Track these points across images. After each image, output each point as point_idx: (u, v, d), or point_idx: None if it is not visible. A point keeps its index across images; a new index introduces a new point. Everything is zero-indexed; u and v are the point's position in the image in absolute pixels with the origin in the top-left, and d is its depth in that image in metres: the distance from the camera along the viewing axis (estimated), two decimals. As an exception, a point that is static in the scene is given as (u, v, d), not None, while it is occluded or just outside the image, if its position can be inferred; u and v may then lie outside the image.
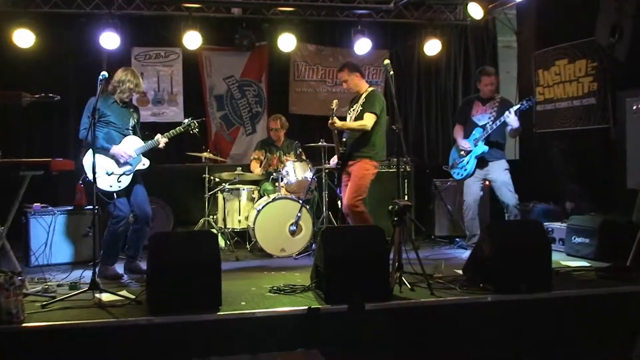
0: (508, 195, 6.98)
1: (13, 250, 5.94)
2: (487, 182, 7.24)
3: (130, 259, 6.35)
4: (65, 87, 7.52)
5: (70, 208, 7.14)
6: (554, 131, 8.55)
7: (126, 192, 6.18)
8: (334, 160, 6.90)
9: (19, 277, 4.42)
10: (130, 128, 6.29)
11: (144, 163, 6.32)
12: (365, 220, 6.35)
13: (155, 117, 8.92)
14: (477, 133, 7.06)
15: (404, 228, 5.68)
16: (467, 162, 7.14)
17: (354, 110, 6.66)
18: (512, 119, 6.78)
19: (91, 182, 5.60)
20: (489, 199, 7.87)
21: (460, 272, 5.88)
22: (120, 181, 6.10)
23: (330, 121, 6.44)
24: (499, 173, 7.00)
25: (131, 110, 6.36)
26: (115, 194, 6.05)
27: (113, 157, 6.04)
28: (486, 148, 6.97)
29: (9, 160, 5.46)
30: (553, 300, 5.11)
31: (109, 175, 6.02)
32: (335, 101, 6.54)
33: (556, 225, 7.43)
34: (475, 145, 7.03)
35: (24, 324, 4.36)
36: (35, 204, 7.00)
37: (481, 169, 7.09)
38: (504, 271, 5.16)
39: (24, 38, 7.88)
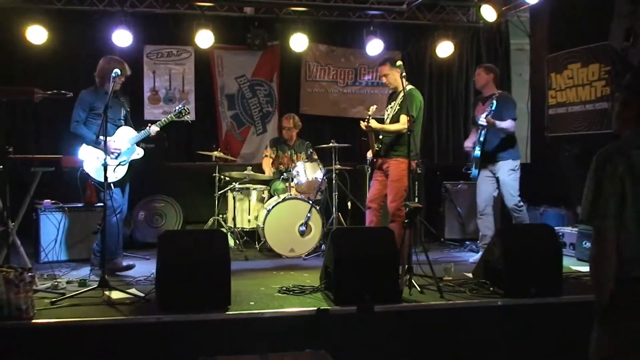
0: (507, 197, 6.89)
1: (23, 247, 5.94)
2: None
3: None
4: (77, 84, 7.47)
5: (80, 205, 7.14)
6: (566, 135, 8.50)
7: (120, 183, 6.24)
8: (369, 155, 6.73)
9: (29, 274, 4.42)
10: (122, 118, 6.38)
11: (138, 153, 6.38)
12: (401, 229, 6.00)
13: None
14: (480, 135, 6.94)
15: (414, 230, 5.66)
16: (473, 165, 7.08)
17: (391, 107, 6.57)
18: (483, 122, 6.68)
19: (89, 175, 5.96)
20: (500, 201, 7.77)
21: (470, 275, 5.86)
22: (116, 172, 6.14)
23: (365, 123, 6.34)
24: (503, 174, 6.89)
25: (122, 99, 6.42)
26: (112, 185, 6.08)
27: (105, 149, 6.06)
28: (478, 153, 6.86)
29: (20, 157, 5.49)
30: (563, 305, 5.08)
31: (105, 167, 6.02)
32: (373, 107, 6.47)
33: (567, 229, 7.40)
34: (474, 149, 6.95)
35: (34, 320, 4.37)
36: (46, 201, 7.03)
37: (485, 168, 6.96)
38: (514, 275, 5.14)
39: (36, 34, 7.88)
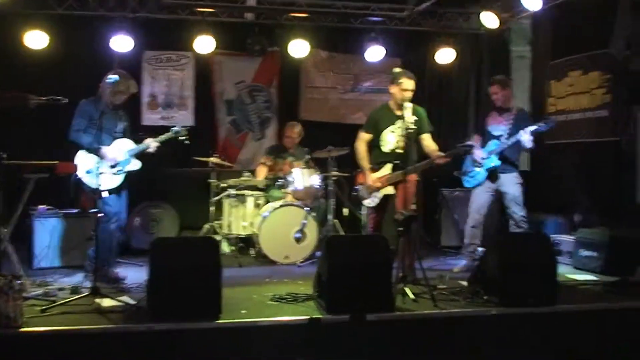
0: (515, 209, 6.79)
1: (17, 253, 5.92)
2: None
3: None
4: (76, 89, 7.47)
5: (75, 211, 7.13)
6: (565, 143, 8.44)
7: (116, 190, 6.22)
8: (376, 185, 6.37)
9: (18, 281, 4.40)
10: (120, 131, 6.36)
11: (135, 165, 6.37)
12: None
13: (164, 120, 8.90)
14: (492, 145, 6.89)
15: (409, 238, 5.63)
16: (478, 173, 7.01)
17: (404, 122, 6.00)
18: (526, 140, 6.55)
19: (81, 181, 5.98)
20: (498, 210, 7.73)
21: (465, 283, 5.82)
22: (110, 179, 6.12)
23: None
24: (511, 186, 6.83)
25: (120, 113, 6.42)
26: (106, 192, 6.04)
27: (102, 157, 6.07)
28: (498, 163, 6.80)
29: (14, 163, 5.46)
30: (557, 315, 5.04)
31: (100, 174, 6.01)
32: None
33: (564, 237, 7.38)
34: (489, 158, 6.88)
35: (22, 329, 4.35)
36: (40, 206, 7.01)
37: (492, 182, 6.91)
38: (509, 284, 5.11)
39: (36, 39, 7.87)
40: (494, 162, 6.83)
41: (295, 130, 8.34)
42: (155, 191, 8.36)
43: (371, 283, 4.94)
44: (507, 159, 6.85)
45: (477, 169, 6.99)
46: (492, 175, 6.88)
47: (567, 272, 6.58)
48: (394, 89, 6.33)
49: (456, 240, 8.33)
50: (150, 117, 8.92)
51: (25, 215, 6.72)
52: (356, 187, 6.64)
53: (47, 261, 6.83)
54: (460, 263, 7.07)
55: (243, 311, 4.94)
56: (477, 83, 9.90)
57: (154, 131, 6.71)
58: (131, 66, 8.12)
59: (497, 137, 6.88)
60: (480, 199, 7.00)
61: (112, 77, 5.84)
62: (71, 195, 6.38)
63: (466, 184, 7.22)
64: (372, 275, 4.97)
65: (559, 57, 8.77)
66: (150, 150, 6.38)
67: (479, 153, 6.95)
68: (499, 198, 7.00)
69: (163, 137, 6.52)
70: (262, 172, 8.25)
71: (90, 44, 8.44)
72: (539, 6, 7.78)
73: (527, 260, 5.21)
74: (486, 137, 7.03)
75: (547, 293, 5.15)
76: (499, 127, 6.93)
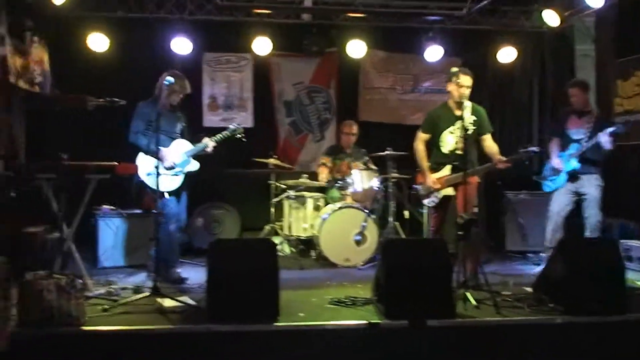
0: (594, 212, 6.69)
1: (82, 252, 6.02)
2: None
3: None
4: (136, 91, 7.59)
5: (139, 211, 7.22)
6: (634, 144, 8.15)
7: (176, 192, 6.29)
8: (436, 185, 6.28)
9: (80, 281, 4.47)
10: (178, 132, 6.42)
11: (194, 165, 6.41)
12: None
13: (225, 122, 8.90)
14: (572, 148, 6.79)
15: (470, 242, 5.51)
16: (558, 177, 6.91)
17: (462, 121, 5.95)
18: (605, 141, 6.46)
19: (143, 183, 6.05)
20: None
21: (530, 289, 5.65)
22: (170, 181, 6.19)
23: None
24: (592, 188, 6.72)
25: (178, 114, 6.47)
26: (166, 194, 6.12)
27: (161, 158, 6.06)
28: (578, 165, 6.71)
29: (75, 164, 5.55)
30: (627, 323, 4.84)
31: (159, 176, 6.04)
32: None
33: (634, 243, 7.14)
34: (568, 161, 6.78)
35: (84, 327, 4.42)
36: (104, 207, 7.12)
37: (573, 182, 6.81)
38: (575, 291, 4.93)
39: (98, 42, 8.02)
40: (574, 164, 6.74)
41: (354, 128, 8.29)
42: (217, 192, 8.46)
43: (430, 288, 4.83)
44: (589, 160, 6.73)
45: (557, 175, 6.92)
46: (573, 177, 6.80)
47: (637, 279, 6.34)
48: (451, 87, 6.27)
49: (521, 245, 8.14)
50: (211, 119, 9.01)
51: (89, 216, 6.86)
52: (415, 185, 6.54)
53: (111, 261, 6.95)
54: (537, 269, 6.86)
55: (301, 314, 4.91)
56: (541, 82, 9.67)
57: (215, 132, 6.74)
58: (191, 68, 8.24)
59: (578, 141, 6.77)
60: (560, 202, 6.89)
61: (168, 79, 5.90)
62: (133, 195, 6.45)
63: (546, 189, 7.11)
64: (431, 280, 4.86)
65: (624, 56, 8.50)
66: (208, 150, 6.41)
67: (556, 162, 6.90)
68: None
69: (220, 135, 6.55)
70: (324, 172, 8.18)
71: (149, 46, 8.54)
72: (601, 3, 7.54)
73: (594, 267, 5.01)
74: (565, 139, 6.92)
75: (615, 301, 4.94)
76: (579, 130, 6.82)
